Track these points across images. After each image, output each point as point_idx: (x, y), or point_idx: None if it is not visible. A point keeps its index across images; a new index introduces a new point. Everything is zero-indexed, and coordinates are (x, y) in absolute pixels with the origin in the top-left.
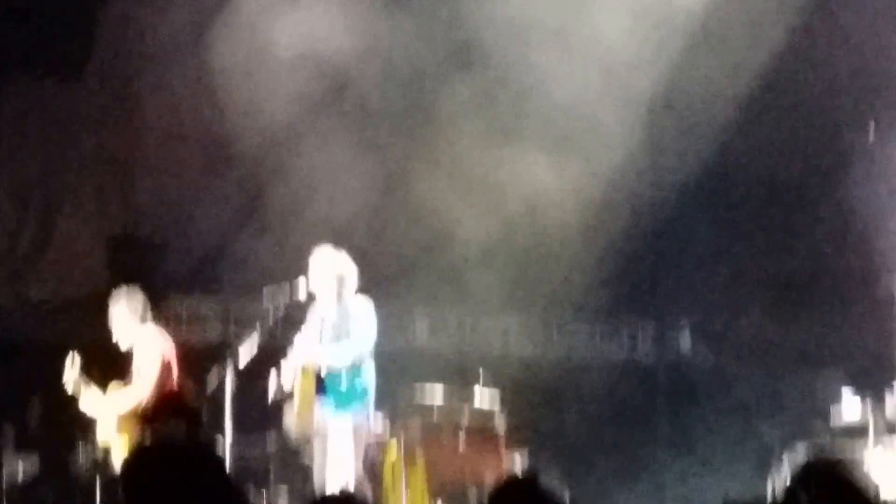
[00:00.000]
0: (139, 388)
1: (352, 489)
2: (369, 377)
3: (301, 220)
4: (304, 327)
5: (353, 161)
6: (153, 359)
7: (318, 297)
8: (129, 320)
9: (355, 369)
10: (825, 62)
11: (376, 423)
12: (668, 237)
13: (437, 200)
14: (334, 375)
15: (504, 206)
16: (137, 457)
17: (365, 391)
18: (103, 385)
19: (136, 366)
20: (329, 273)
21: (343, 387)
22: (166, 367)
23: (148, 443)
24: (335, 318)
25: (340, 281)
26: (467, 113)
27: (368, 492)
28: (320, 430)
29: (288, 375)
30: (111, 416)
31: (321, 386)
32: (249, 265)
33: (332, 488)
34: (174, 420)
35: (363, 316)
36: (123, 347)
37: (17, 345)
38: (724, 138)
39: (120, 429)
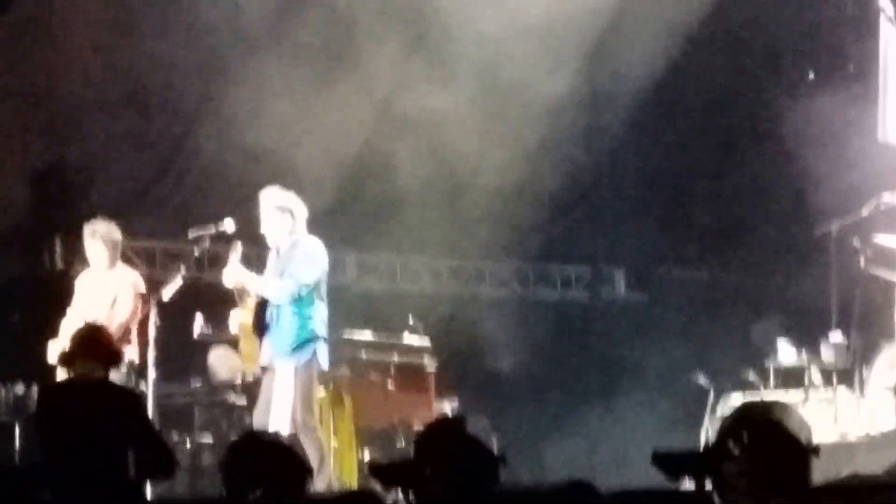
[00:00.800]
0: (117, 325)
1: (286, 433)
2: (319, 319)
3: (227, 161)
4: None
5: (282, 98)
6: (131, 295)
7: (267, 236)
8: (107, 255)
9: (301, 309)
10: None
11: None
12: (603, 180)
13: (369, 138)
14: (279, 314)
15: (438, 145)
16: (48, 394)
17: (312, 334)
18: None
19: (112, 300)
20: (274, 213)
21: (288, 327)
22: (142, 304)
23: (64, 379)
24: (283, 256)
25: (284, 219)
26: (402, 50)
27: (306, 437)
28: (267, 370)
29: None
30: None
31: (264, 324)
32: (175, 206)
33: (265, 429)
34: (90, 360)
35: (304, 254)
36: (94, 282)
37: None
38: (659, 79)
39: None
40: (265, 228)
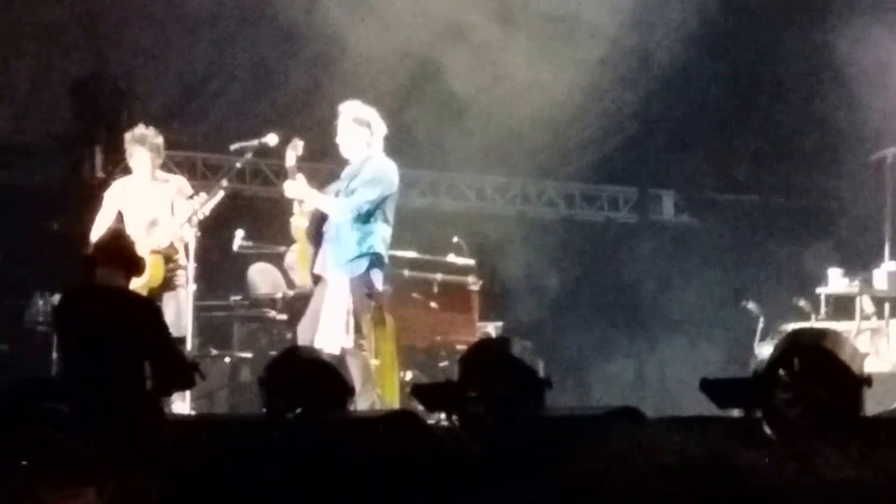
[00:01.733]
0: (168, 231)
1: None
2: (378, 239)
3: (269, 75)
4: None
5: (329, 7)
6: (182, 199)
7: (344, 150)
8: (151, 161)
9: (361, 226)
10: None
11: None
12: (655, 102)
13: (417, 47)
14: (338, 229)
15: (487, 59)
16: (67, 299)
17: (369, 251)
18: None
19: (158, 206)
20: (351, 125)
21: (346, 241)
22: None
23: (83, 285)
24: (352, 172)
25: (360, 133)
26: None
27: (351, 355)
28: (320, 282)
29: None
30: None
31: (322, 236)
32: (216, 118)
33: (312, 343)
34: (111, 268)
35: (376, 174)
36: (137, 189)
37: None
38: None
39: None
40: (341, 141)
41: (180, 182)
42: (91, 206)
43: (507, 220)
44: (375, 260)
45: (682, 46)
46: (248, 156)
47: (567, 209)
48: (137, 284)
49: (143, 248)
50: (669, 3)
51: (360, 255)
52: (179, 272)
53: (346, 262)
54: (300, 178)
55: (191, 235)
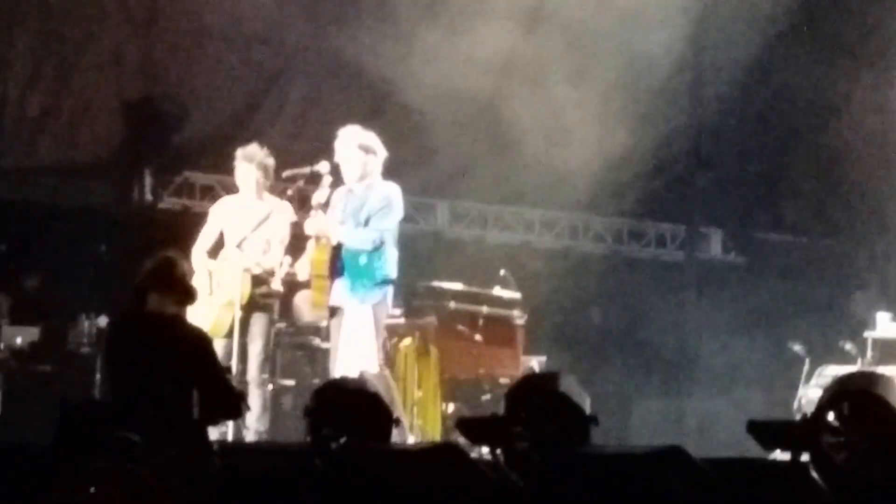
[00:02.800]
0: (275, 257)
1: (366, 377)
2: (391, 262)
3: (321, 103)
4: (317, 199)
5: (385, 38)
6: (287, 222)
7: (344, 174)
8: (260, 180)
9: (377, 253)
10: None
11: (394, 311)
12: (705, 139)
13: (469, 83)
14: (354, 257)
15: (539, 94)
16: (118, 326)
17: (386, 276)
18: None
19: (262, 225)
20: (355, 151)
21: (363, 269)
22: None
23: (134, 312)
24: (359, 200)
25: (365, 160)
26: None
27: (383, 382)
28: (337, 313)
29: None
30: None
31: (339, 266)
32: (269, 143)
33: (345, 373)
34: (163, 295)
35: (390, 202)
36: (242, 208)
37: (25, 209)
38: (771, 44)
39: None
40: (343, 165)
41: (286, 208)
42: (140, 230)
43: (555, 254)
44: (390, 284)
45: (733, 85)
46: (300, 183)
47: (614, 245)
48: (222, 301)
49: (238, 266)
50: (722, 43)
51: (381, 283)
52: (272, 300)
53: (367, 291)
54: (320, 214)
55: (286, 262)
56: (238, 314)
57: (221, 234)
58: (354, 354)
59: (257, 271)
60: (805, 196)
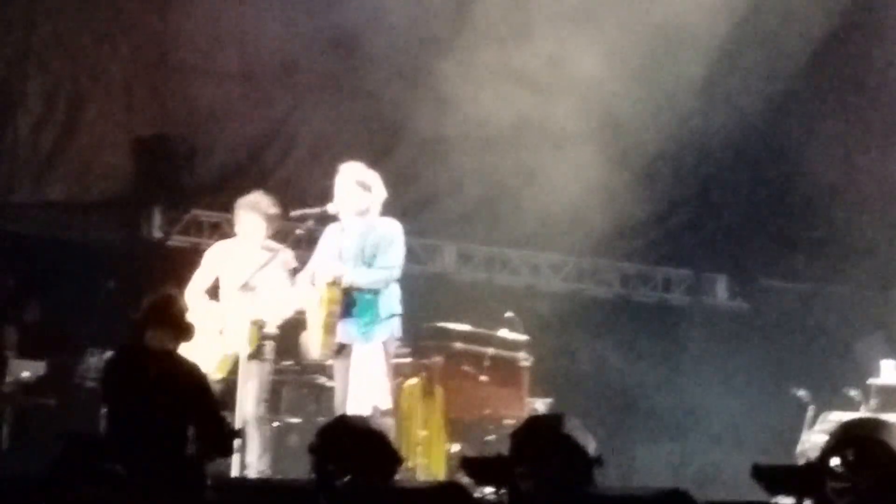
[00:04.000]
0: (280, 310)
1: (378, 414)
2: (395, 298)
3: (331, 143)
4: (322, 242)
5: (389, 87)
6: (285, 272)
7: (342, 210)
8: (262, 228)
9: (383, 292)
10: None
11: (399, 350)
12: (712, 185)
13: (475, 127)
14: (362, 297)
15: (542, 140)
16: (116, 359)
17: (392, 313)
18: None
19: (273, 282)
20: (354, 188)
21: (370, 307)
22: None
23: (132, 346)
24: (360, 238)
25: (366, 197)
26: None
27: (388, 420)
28: (343, 351)
29: (303, 290)
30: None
31: (345, 306)
32: (277, 181)
33: (351, 412)
34: (161, 330)
35: (394, 240)
36: (241, 254)
37: (34, 243)
38: (779, 95)
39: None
40: (340, 202)
41: (286, 255)
42: (147, 265)
43: (561, 297)
44: (397, 320)
45: (740, 131)
46: (310, 223)
47: (621, 289)
48: (230, 350)
49: (243, 316)
50: (730, 91)
51: (387, 318)
52: (268, 343)
53: (376, 328)
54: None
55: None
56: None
57: (216, 279)
58: (367, 392)
59: (267, 329)
60: (811, 243)
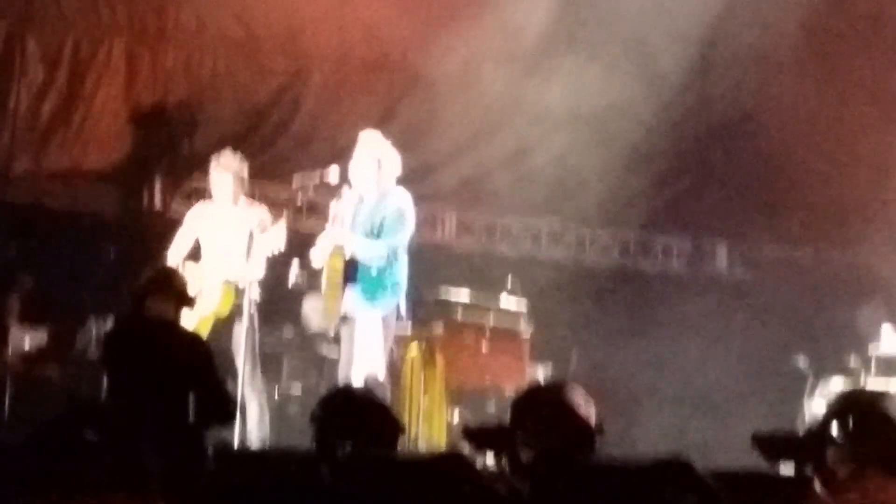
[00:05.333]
0: (257, 266)
1: (374, 385)
2: (402, 271)
3: (333, 108)
4: (335, 210)
5: (392, 54)
6: (261, 236)
7: (354, 181)
8: (234, 188)
9: (387, 266)
10: None
11: (403, 319)
12: (713, 153)
13: (473, 95)
14: (366, 266)
15: (542, 108)
16: (116, 330)
17: (397, 285)
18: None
19: (240, 237)
20: (369, 157)
21: (374, 278)
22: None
23: (132, 317)
24: (371, 208)
25: (380, 167)
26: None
27: (379, 392)
28: (347, 320)
29: (316, 257)
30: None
31: (350, 275)
32: (278, 150)
33: (354, 382)
34: (162, 300)
35: (401, 210)
36: (217, 216)
37: (34, 213)
38: (779, 65)
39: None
40: (354, 172)
41: (262, 214)
42: (149, 236)
43: (561, 266)
44: (401, 292)
45: (739, 97)
46: (310, 191)
47: (621, 257)
48: (206, 311)
49: (217, 276)
50: (730, 57)
51: (391, 292)
52: (253, 307)
53: (379, 300)
54: (337, 226)
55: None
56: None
57: (196, 242)
58: (363, 363)
59: (242, 285)
60: (811, 209)
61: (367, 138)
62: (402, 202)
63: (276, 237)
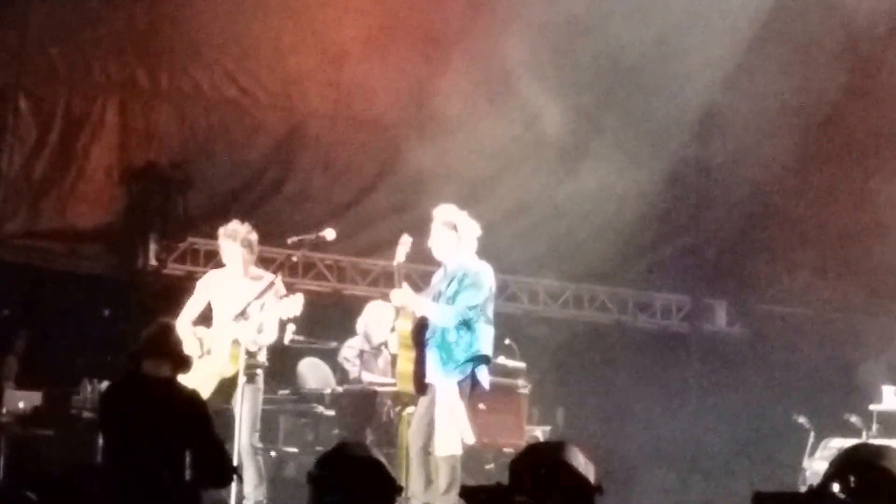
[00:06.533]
0: (269, 335)
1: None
2: (482, 340)
3: (329, 167)
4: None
5: (386, 112)
6: (275, 302)
7: (434, 252)
8: (245, 258)
9: (466, 330)
10: None
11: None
12: (711, 211)
13: (472, 153)
14: (444, 332)
15: (537, 165)
16: (114, 389)
17: (475, 354)
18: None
19: (262, 312)
20: (440, 228)
21: (449, 344)
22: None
23: (129, 376)
24: (448, 277)
25: (451, 236)
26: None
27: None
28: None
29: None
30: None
31: (428, 339)
32: (271, 210)
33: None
34: (159, 359)
35: (475, 279)
36: (229, 285)
37: (28, 273)
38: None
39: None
40: (432, 243)
41: (276, 283)
42: (143, 294)
43: (559, 324)
44: (480, 362)
45: (737, 156)
46: (304, 249)
47: (620, 315)
48: (210, 372)
49: (226, 337)
50: (726, 116)
51: (467, 361)
52: (259, 371)
53: (455, 369)
54: (406, 287)
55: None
56: (240, 383)
57: (208, 306)
58: (440, 432)
59: (253, 348)
60: (810, 269)
61: (442, 209)
62: (478, 269)
63: (293, 305)
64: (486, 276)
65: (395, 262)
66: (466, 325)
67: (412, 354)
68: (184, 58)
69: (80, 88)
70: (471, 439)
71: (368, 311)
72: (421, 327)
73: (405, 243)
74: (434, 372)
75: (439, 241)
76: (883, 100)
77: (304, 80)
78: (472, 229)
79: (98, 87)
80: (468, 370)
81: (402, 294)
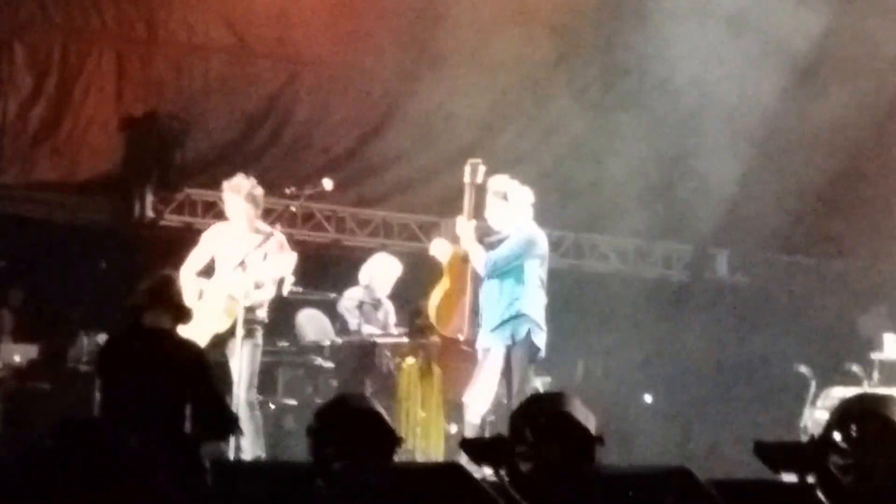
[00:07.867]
0: (267, 292)
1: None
2: (530, 302)
3: (326, 118)
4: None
5: (385, 60)
6: (279, 254)
7: (490, 223)
8: (250, 212)
9: (508, 289)
10: None
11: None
12: (712, 159)
13: (470, 101)
14: (490, 293)
15: (540, 114)
16: (114, 341)
17: (519, 313)
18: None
19: (262, 267)
20: (492, 198)
21: (496, 304)
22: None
23: (129, 328)
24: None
25: (504, 207)
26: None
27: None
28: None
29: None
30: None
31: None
32: (269, 162)
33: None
34: (159, 311)
35: (511, 237)
36: (234, 239)
37: (25, 225)
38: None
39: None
40: (487, 215)
41: (280, 238)
42: (140, 246)
43: (560, 274)
44: (524, 323)
45: (740, 107)
46: (302, 200)
47: (620, 264)
48: (209, 325)
49: (222, 292)
50: (731, 68)
51: (508, 320)
52: (258, 326)
53: (495, 328)
54: (469, 227)
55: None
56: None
57: (211, 259)
58: (476, 391)
59: (246, 303)
60: (812, 217)
61: (494, 179)
62: (525, 231)
63: (285, 264)
64: (533, 236)
65: (466, 181)
66: (506, 283)
67: (454, 288)
68: (181, 7)
69: (77, 38)
70: (470, 416)
71: (375, 263)
72: (473, 280)
73: (475, 170)
74: (482, 333)
75: (493, 212)
76: None
77: (302, 27)
78: (523, 196)
79: (95, 36)
80: (522, 333)
81: (467, 228)
